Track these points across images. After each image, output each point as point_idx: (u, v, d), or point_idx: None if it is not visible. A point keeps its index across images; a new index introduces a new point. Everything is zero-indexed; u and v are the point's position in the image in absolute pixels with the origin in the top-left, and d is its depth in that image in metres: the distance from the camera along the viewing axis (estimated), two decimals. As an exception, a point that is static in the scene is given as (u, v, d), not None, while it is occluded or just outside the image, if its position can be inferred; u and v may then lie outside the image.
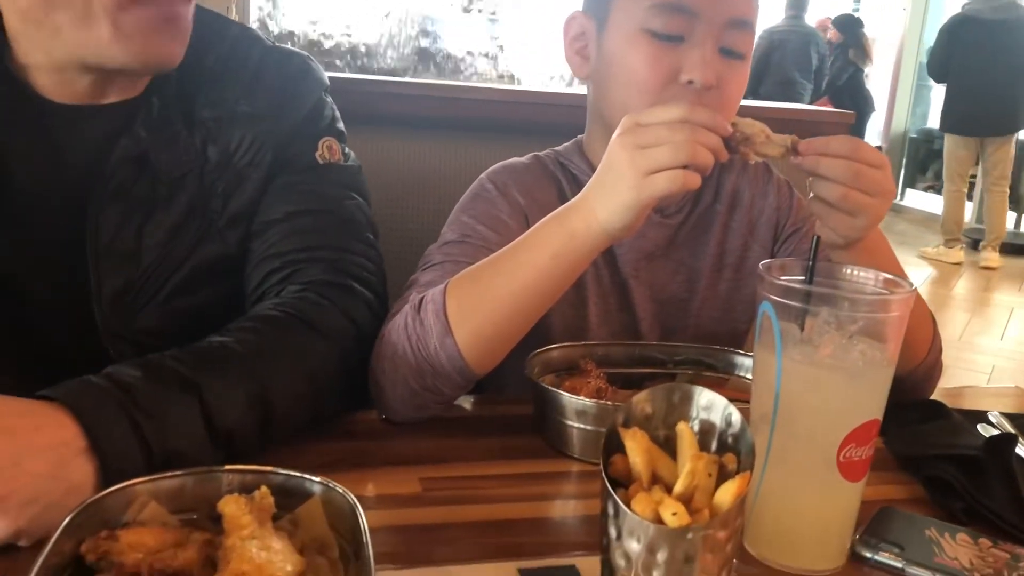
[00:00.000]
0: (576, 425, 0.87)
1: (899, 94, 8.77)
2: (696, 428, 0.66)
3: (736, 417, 0.64)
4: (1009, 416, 1.00)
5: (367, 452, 0.86)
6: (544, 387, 0.89)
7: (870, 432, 0.67)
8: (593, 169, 1.07)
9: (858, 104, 7.37)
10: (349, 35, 5.84)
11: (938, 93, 9.22)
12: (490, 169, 1.11)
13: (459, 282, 0.88)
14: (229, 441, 0.78)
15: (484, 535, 0.73)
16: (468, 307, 0.86)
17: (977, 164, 6.45)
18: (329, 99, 1.07)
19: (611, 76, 1.02)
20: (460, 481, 0.81)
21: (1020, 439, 0.91)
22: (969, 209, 6.99)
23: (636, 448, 0.63)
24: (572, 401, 0.86)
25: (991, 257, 6.31)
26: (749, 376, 0.98)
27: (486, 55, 6.18)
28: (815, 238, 0.74)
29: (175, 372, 0.77)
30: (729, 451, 0.64)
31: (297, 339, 0.87)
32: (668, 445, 0.66)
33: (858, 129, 7.07)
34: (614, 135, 0.82)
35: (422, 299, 0.89)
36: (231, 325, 0.87)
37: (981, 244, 6.46)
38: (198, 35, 0.97)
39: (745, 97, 1.03)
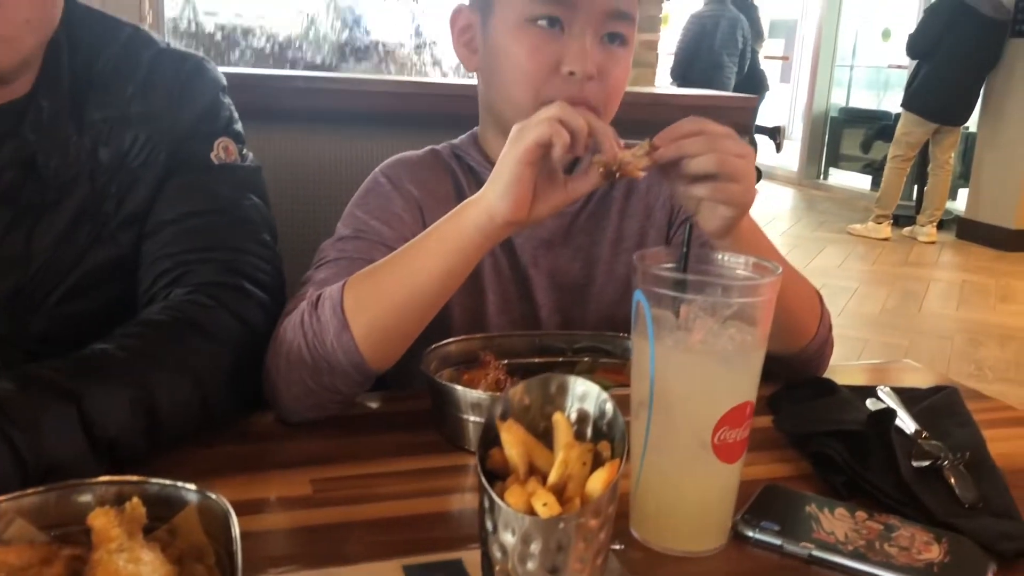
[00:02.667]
0: (471, 418, 0.87)
1: (819, 75, 8.97)
2: (573, 417, 0.67)
3: (609, 405, 0.65)
4: (897, 390, 1.04)
5: (259, 455, 0.85)
6: (438, 381, 0.89)
7: (743, 414, 0.69)
8: (488, 160, 1.09)
9: (755, 84, 7.52)
10: (265, 25, 5.74)
11: (858, 74, 9.52)
12: (384, 163, 1.11)
13: (357, 278, 0.89)
14: (112, 449, 0.77)
15: (373, 534, 0.73)
16: (365, 301, 0.87)
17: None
18: (226, 100, 1.06)
19: (496, 67, 1.03)
20: (352, 480, 0.81)
21: (899, 413, 0.94)
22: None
23: (512, 440, 0.63)
24: (466, 394, 0.87)
25: (931, 232, 6.57)
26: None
27: (411, 45, 6.13)
28: (688, 226, 0.76)
29: (51, 382, 0.76)
30: (604, 439, 0.66)
31: (182, 342, 0.86)
32: (547, 436, 0.67)
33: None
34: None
35: (319, 296, 0.89)
36: (115, 331, 0.85)
37: (919, 220, 6.67)
38: (90, 37, 0.97)
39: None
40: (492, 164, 1.00)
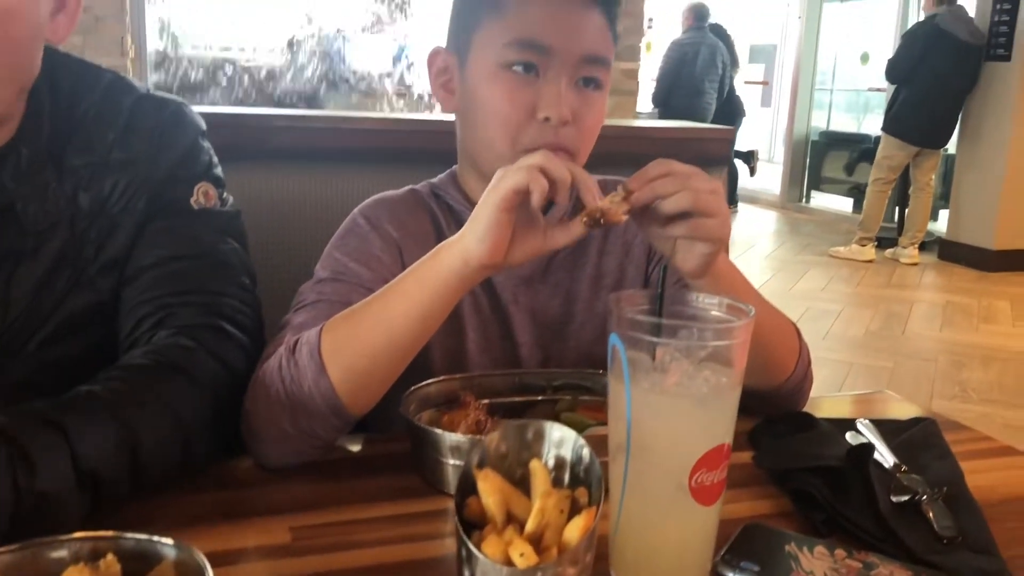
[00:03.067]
0: (451, 462, 0.87)
1: (799, 98, 9.07)
2: (550, 464, 0.67)
3: (586, 451, 0.66)
4: (877, 422, 1.04)
5: (237, 502, 0.85)
6: (417, 424, 0.89)
7: (720, 456, 0.69)
8: (467, 199, 1.10)
9: (732, 110, 7.60)
10: (251, 59, 5.77)
11: (838, 97, 9.63)
12: (363, 203, 1.12)
13: (334, 322, 0.89)
14: (96, 485, 0.77)
15: (352, 582, 0.73)
16: (342, 346, 0.87)
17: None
18: (206, 144, 1.07)
19: (473, 111, 1.04)
20: (332, 528, 0.81)
21: (878, 447, 0.95)
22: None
23: (488, 489, 0.64)
24: (445, 437, 0.87)
25: (913, 254, 6.63)
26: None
27: (390, 75, 6.16)
28: (662, 268, 0.76)
29: (39, 413, 0.77)
30: (581, 484, 0.66)
31: (165, 384, 0.86)
32: (524, 482, 0.67)
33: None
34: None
35: (297, 340, 0.89)
36: (99, 375, 0.85)
37: (902, 242, 6.75)
38: (71, 84, 0.98)
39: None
40: (471, 203, 1.00)
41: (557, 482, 0.66)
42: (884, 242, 6.96)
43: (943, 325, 5.02)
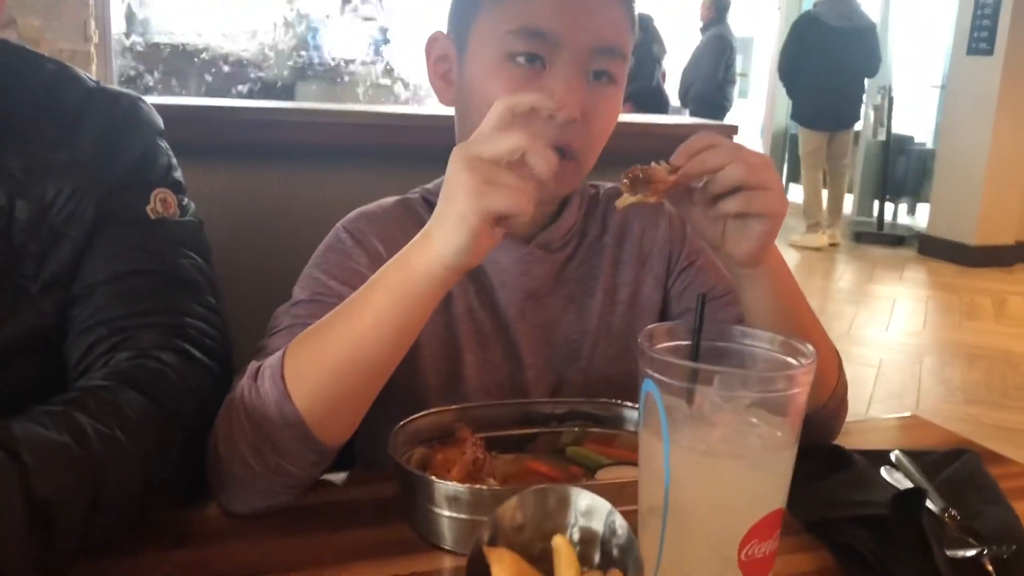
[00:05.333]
0: (447, 513, 0.75)
1: (778, 92, 9.01)
2: (575, 538, 0.56)
3: (621, 524, 0.55)
4: (912, 454, 0.94)
5: (199, 563, 0.73)
6: (406, 469, 0.78)
7: (774, 524, 0.59)
8: None
9: (661, 105, 7.43)
10: (222, 45, 5.58)
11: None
12: (346, 217, 1.00)
13: (298, 342, 0.77)
14: (49, 520, 0.65)
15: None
16: (306, 367, 0.75)
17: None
18: (164, 144, 0.95)
19: (472, 105, 0.92)
20: (309, 594, 0.69)
21: (927, 493, 0.84)
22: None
23: (503, 573, 0.52)
24: (440, 487, 0.75)
25: (834, 235, 6.86)
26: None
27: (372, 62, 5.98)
28: (700, 298, 0.64)
29: None
30: (614, 565, 0.55)
31: (132, 409, 0.75)
32: (545, 559, 0.56)
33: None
34: (449, 169, 0.71)
35: (260, 367, 0.78)
36: (55, 399, 0.74)
37: (825, 223, 6.89)
38: (4, 75, 0.85)
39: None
40: None
41: (584, 560, 0.55)
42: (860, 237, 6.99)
43: (927, 322, 4.98)
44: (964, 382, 3.98)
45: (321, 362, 0.75)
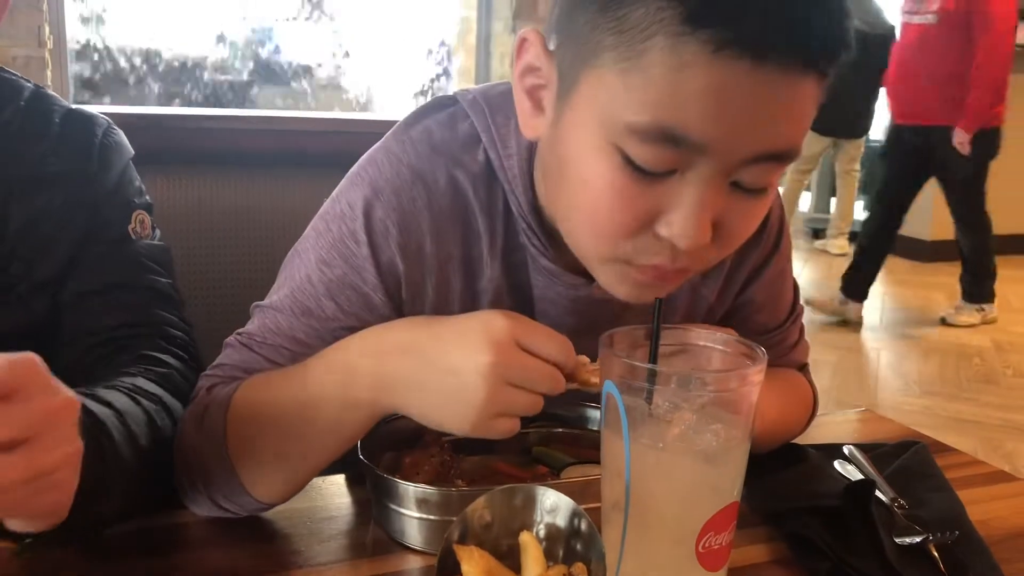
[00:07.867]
0: (416, 515, 0.77)
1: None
2: (541, 534, 0.59)
3: (585, 522, 0.57)
4: (864, 448, 0.98)
5: (171, 568, 0.74)
6: (376, 473, 0.79)
7: (730, 516, 0.62)
8: (543, 233, 0.79)
9: None
10: (180, 50, 5.53)
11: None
12: (371, 187, 0.77)
13: (241, 409, 0.77)
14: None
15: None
16: (249, 445, 0.76)
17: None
18: (134, 171, 0.99)
19: (565, 180, 0.69)
20: (282, 599, 0.71)
21: (877, 484, 0.88)
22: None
23: (474, 571, 0.55)
24: (409, 490, 0.77)
25: (841, 244, 6.68)
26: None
27: (332, 66, 5.95)
28: (657, 302, 0.66)
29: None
30: (578, 559, 0.57)
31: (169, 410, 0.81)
32: (512, 555, 0.58)
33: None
34: (470, 374, 0.66)
35: (207, 407, 0.78)
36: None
37: (829, 232, 6.79)
38: None
39: None
40: (545, 244, 0.79)
41: (550, 555, 0.57)
42: (820, 233, 7.05)
43: (882, 318, 5.08)
44: (920, 375, 4.08)
45: (265, 448, 0.76)
